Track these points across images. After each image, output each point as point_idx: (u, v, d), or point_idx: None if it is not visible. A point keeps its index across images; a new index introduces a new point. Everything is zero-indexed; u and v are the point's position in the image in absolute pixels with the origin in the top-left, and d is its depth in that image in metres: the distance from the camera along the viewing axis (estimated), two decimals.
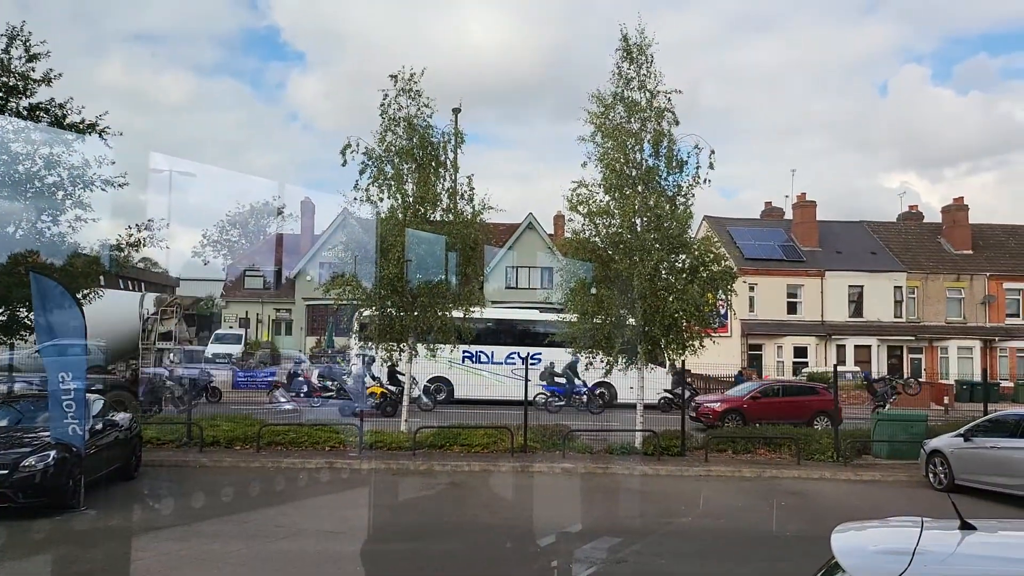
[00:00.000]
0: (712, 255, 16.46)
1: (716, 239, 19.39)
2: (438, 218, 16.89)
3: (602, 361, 16.68)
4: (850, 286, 39.60)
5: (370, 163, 16.37)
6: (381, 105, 16.43)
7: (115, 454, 12.29)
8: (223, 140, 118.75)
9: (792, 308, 39.37)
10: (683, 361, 17.10)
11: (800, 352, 37.96)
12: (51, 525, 9.66)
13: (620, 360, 16.51)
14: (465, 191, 17.03)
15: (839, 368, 20.99)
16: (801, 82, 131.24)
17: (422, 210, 16.51)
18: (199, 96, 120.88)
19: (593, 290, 16.30)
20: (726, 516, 11.87)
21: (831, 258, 40.40)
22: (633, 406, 17.28)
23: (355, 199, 16.41)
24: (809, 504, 12.99)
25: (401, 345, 17.03)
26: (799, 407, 21.50)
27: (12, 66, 16.03)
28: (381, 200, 16.44)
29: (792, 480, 14.68)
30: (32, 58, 16.15)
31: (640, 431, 16.62)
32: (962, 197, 43.09)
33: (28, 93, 16.20)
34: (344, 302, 17.40)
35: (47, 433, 10.72)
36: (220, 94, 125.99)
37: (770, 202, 47.00)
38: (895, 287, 39.76)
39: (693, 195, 16.29)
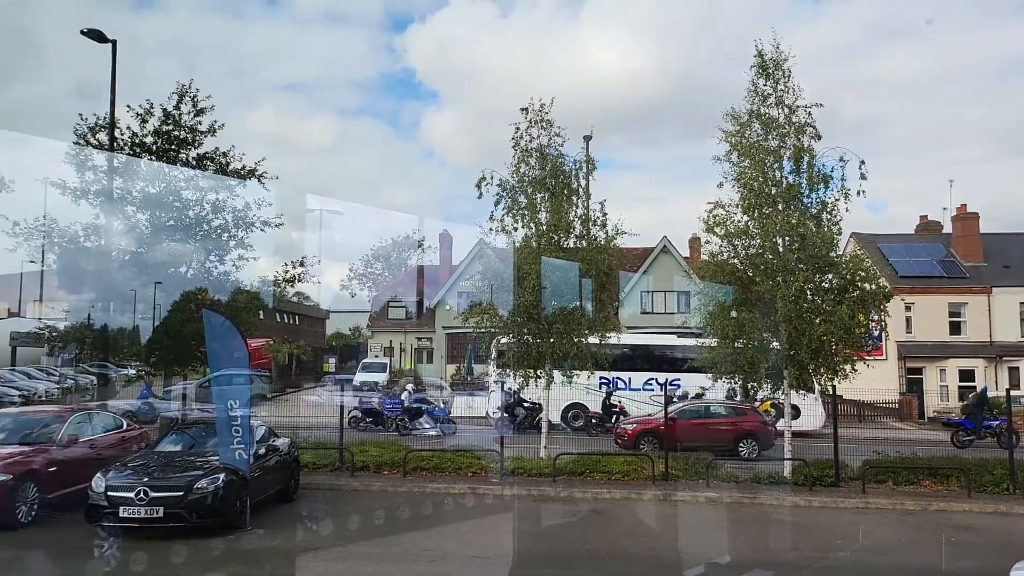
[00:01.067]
0: (862, 273, 15.64)
1: (866, 257, 18.40)
2: (571, 245, 17.02)
3: (746, 387, 16.13)
4: (1022, 303, 36.32)
5: (504, 194, 16.74)
6: (513, 137, 16.82)
7: (276, 477, 13.07)
8: (365, 178, 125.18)
9: (955, 328, 36.53)
10: (833, 387, 16.25)
11: (966, 375, 35.09)
12: (224, 544, 10.37)
13: (766, 386, 15.91)
14: (598, 217, 17.10)
15: (1012, 393, 19.25)
16: (950, 88, 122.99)
17: (556, 238, 16.69)
18: (343, 137, 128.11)
19: (733, 313, 15.83)
20: (890, 551, 11.12)
21: (998, 273, 37.26)
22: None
23: (490, 229, 16.82)
24: (983, 540, 11.94)
25: (538, 372, 17.19)
26: (722, 430, 19.83)
27: (182, 120, 17.67)
28: (515, 229, 16.76)
29: (963, 514, 13.57)
30: (199, 112, 17.74)
31: (789, 460, 15.90)
32: None
33: (196, 144, 17.80)
34: (482, 330, 17.79)
35: (216, 457, 11.54)
36: (361, 134, 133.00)
37: (925, 216, 44.14)
38: None
39: (839, 211, 15.58)
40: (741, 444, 19.96)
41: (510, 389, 20.90)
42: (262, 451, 12.59)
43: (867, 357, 18.27)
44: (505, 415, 21.54)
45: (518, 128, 16.82)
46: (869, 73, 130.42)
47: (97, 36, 17.61)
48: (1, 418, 13.22)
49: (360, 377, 38.61)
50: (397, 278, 64.60)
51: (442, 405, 25.46)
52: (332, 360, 54.15)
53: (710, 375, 16.72)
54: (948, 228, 40.82)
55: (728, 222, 15.80)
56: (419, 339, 49.79)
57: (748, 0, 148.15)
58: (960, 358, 35.32)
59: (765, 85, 15.80)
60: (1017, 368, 34.72)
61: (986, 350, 35.40)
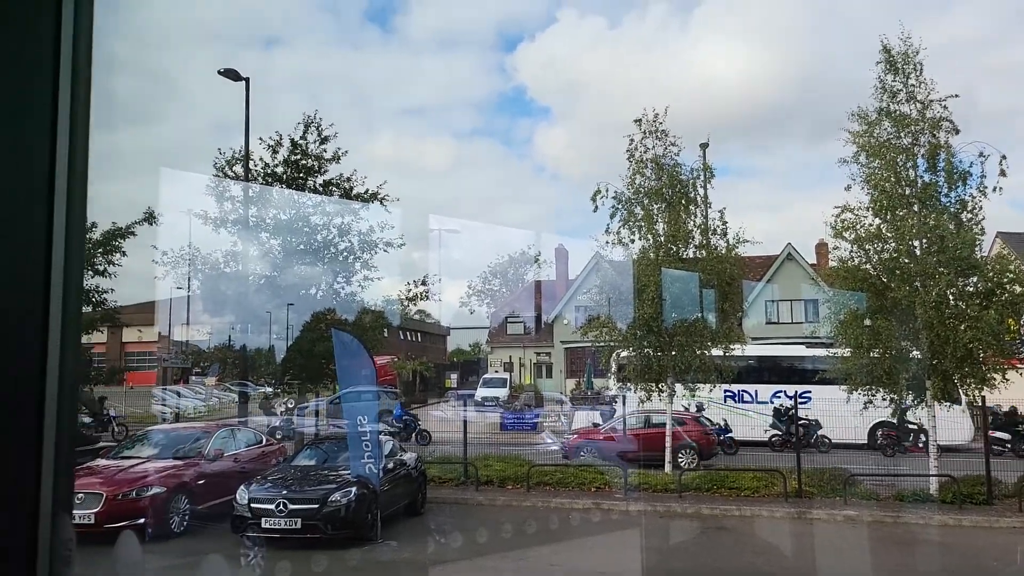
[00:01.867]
0: (1011, 275, 14.53)
1: (1015, 257, 17.09)
2: (691, 255, 16.70)
3: (884, 399, 15.26)
4: None
5: (620, 206, 16.65)
6: (628, 149, 16.72)
7: (405, 491, 13.44)
8: (481, 197, 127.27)
9: None
10: (983, 397, 15.13)
11: None
12: (360, 554, 10.75)
13: (907, 397, 15.01)
14: (717, 226, 16.72)
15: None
16: None
17: (674, 248, 16.43)
18: (458, 158, 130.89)
19: (867, 321, 15.04)
20: None
21: None
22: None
23: (607, 242, 16.75)
24: None
25: (660, 385, 16.91)
26: (662, 440, 18.10)
27: (309, 149, 18.60)
28: (632, 241, 16.63)
29: None
30: (323, 140, 18.62)
31: (936, 475, 14.89)
32: None
33: (322, 171, 18.68)
34: (601, 344, 17.68)
35: (348, 471, 12.00)
36: (476, 154, 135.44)
37: None
38: None
39: (980, 210, 14.56)
40: (680, 454, 18.99)
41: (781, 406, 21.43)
42: (390, 465, 12.97)
43: (1020, 365, 16.91)
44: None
45: (632, 139, 16.73)
46: (1012, 60, 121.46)
47: (233, 75, 18.85)
48: (155, 434, 14.27)
49: (481, 392, 39.10)
50: (514, 294, 65.27)
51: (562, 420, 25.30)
52: (454, 376, 55.20)
53: (844, 387, 15.92)
54: None
55: (858, 226, 15.08)
56: (538, 354, 50.03)
57: None
58: None
59: (894, 81, 15.02)
60: None
61: None
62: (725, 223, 16.66)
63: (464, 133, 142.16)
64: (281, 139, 18.57)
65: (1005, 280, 14.47)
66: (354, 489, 11.43)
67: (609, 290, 18.36)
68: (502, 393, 38.98)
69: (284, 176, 18.58)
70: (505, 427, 27.92)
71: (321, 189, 18.68)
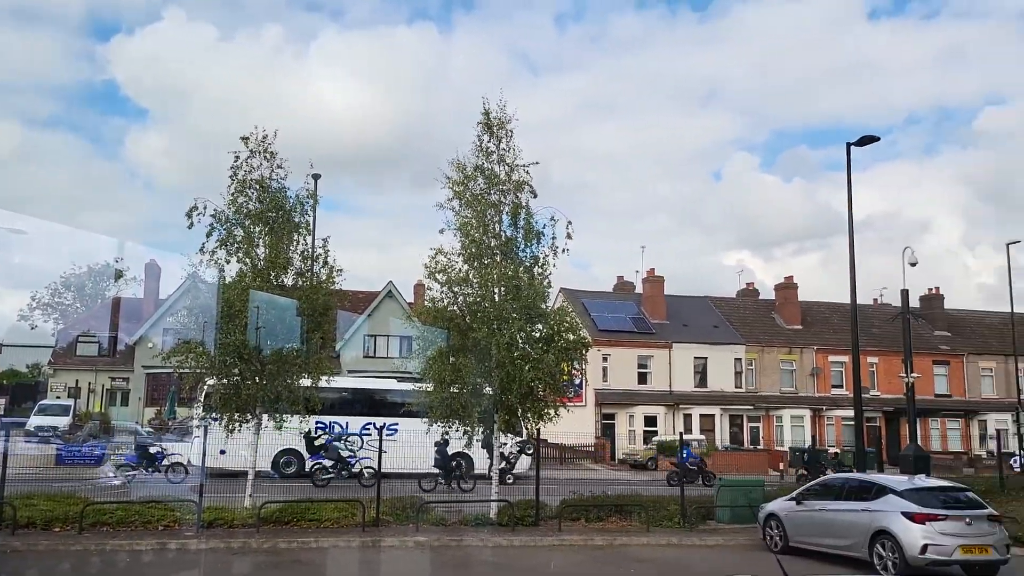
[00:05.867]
0: (567, 325, 16.83)
1: (571, 310, 19.96)
2: (290, 283, 16.41)
3: (458, 431, 16.52)
4: (695, 357, 41.69)
5: (218, 225, 15.81)
6: (232, 166, 16.00)
7: None
8: (58, 196, 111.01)
9: (643, 378, 40.85)
10: (538, 430, 17.24)
11: (650, 421, 39.27)
12: None
13: (478, 430, 16.44)
14: (320, 255, 16.70)
15: (686, 437, 21.84)
16: (646, 165, 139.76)
17: (273, 274, 16.04)
18: (28, 147, 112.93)
19: (451, 359, 16.24)
20: None
21: (678, 331, 42.48)
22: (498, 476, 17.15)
23: (201, 262, 15.74)
24: (658, 570, 13.24)
25: (247, 415, 16.21)
26: None
27: None
28: (228, 263, 15.86)
29: (641, 547, 14.94)
30: None
31: (496, 501, 16.49)
32: (792, 276, 46.94)
33: None
34: (186, 370, 16.40)
35: None
36: (52, 147, 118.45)
37: (622, 276, 49.18)
38: (735, 359, 42.24)
39: (550, 266, 16.73)
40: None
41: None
42: None
43: (569, 403, 19.67)
44: None
45: (238, 157, 16.05)
46: (582, 144, 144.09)
47: None
48: None
49: (35, 421, 33.75)
50: (91, 310, 57.86)
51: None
52: (1, 401, 46.69)
53: (426, 420, 16.89)
54: (640, 288, 45.84)
55: (450, 269, 16.29)
56: (113, 379, 44.74)
57: (475, 63, 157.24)
58: (646, 405, 39.50)
59: (489, 142, 16.68)
60: (690, 414, 39.57)
61: (666, 398, 39.95)
62: (327, 251, 16.72)
63: (37, 120, 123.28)
64: None
65: (563, 328, 16.73)
66: None
67: (201, 313, 17.13)
68: (61, 422, 34.04)
69: None
70: (62, 460, 24.37)
71: None
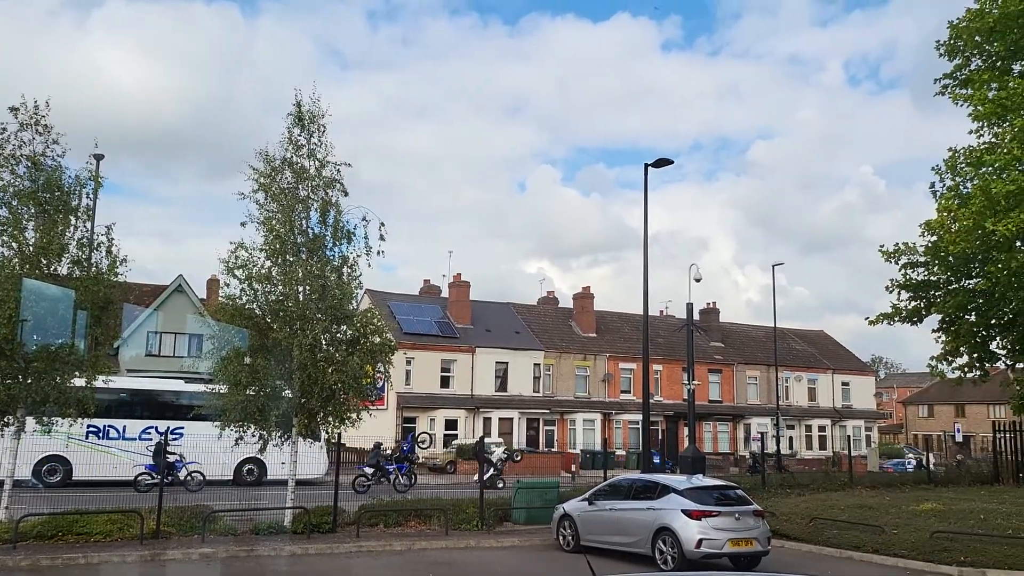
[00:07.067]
0: (373, 327, 16.53)
1: (377, 312, 19.68)
2: (64, 272, 14.77)
3: (254, 435, 15.68)
4: (497, 362, 42.68)
5: None
6: None
7: None
8: None
9: (445, 382, 41.18)
10: (339, 434, 16.77)
11: (451, 424, 39.67)
12: None
13: (274, 434, 15.69)
14: (102, 242, 15.14)
15: (486, 440, 22.25)
16: (454, 170, 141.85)
17: (45, 261, 14.38)
18: None
19: (248, 359, 15.39)
20: None
21: (481, 335, 43.28)
22: (286, 482, 16.45)
23: None
24: (456, 573, 13.31)
25: (7, 419, 14.39)
26: None
27: None
28: None
29: (440, 551, 14.97)
30: None
31: (291, 508, 15.82)
32: (589, 286, 49.43)
33: None
34: None
35: None
36: None
37: (428, 280, 49.37)
38: (535, 364, 43.75)
39: (359, 267, 16.37)
40: None
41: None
42: None
43: (371, 407, 19.36)
44: None
45: (5, 129, 14.27)
46: (391, 144, 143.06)
47: None
48: None
49: None
50: None
51: None
52: None
53: (217, 423, 15.88)
54: (446, 292, 46.22)
55: (251, 265, 15.47)
56: None
57: (280, 51, 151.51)
58: (448, 409, 39.86)
59: (300, 135, 16.05)
60: (490, 418, 40.40)
61: (468, 402, 40.57)
62: (111, 239, 15.18)
63: None
64: None
65: (369, 331, 16.41)
66: None
67: None
68: None
69: None
70: None
71: None
